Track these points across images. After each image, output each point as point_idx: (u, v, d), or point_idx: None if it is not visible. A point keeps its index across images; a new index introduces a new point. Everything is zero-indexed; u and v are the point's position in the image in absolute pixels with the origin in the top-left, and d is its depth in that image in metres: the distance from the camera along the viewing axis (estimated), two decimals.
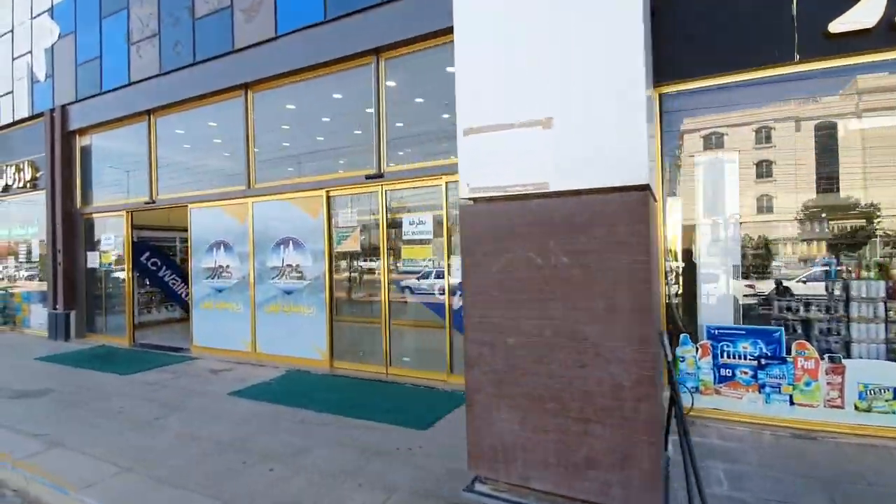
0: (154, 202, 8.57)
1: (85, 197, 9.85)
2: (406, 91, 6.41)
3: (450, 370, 5.87)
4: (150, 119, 8.59)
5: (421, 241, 6.08)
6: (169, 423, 4.81)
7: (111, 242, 9.35)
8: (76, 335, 9.67)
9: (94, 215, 9.70)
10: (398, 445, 4.12)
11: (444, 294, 5.97)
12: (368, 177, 6.30)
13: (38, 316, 10.73)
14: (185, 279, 11.74)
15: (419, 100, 6.48)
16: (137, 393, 5.89)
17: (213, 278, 7.90)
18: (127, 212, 9.03)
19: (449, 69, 6.18)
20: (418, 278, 6.33)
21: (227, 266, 7.72)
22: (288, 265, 7.07)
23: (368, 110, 6.40)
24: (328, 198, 6.71)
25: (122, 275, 9.46)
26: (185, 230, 12.23)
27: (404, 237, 6.20)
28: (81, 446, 4.25)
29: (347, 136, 6.96)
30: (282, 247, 7.14)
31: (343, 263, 6.89)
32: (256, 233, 7.39)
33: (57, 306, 9.68)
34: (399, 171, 6.18)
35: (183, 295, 11.83)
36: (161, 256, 11.33)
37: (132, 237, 9.09)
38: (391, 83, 6.29)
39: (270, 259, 7.26)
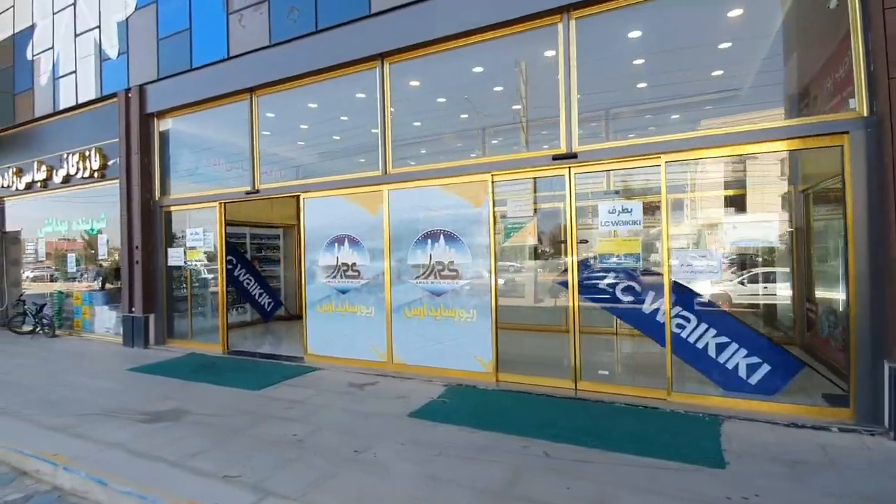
0: (257, 191, 7.58)
1: (164, 187, 8.85)
2: (601, 57, 5.47)
3: (671, 386, 4.92)
4: (251, 98, 7.60)
5: (625, 234, 5.14)
6: (381, 457, 3.83)
7: (198, 238, 8.34)
8: (155, 341, 8.66)
9: (177, 208, 8.69)
10: (724, 493, 3.17)
11: (644, 295, 5.05)
12: (556, 157, 5.34)
13: (104, 320, 9.71)
14: (259, 279, 10.79)
15: (620, 66, 5.54)
16: (293, 415, 4.90)
17: (333, 277, 6.92)
18: (220, 203, 8.03)
19: (634, 32, 5.26)
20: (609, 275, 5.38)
21: (353, 264, 6.75)
22: (438, 262, 6.11)
23: (548, 78, 5.45)
24: (493, 183, 5.75)
25: (209, 275, 8.48)
26: (257, 225, 11.31)
27: (601, 228, 5.25)
28: (302, 494, 3.27)
29: (517, 111, 6.02)
30: (429, 241, 6.18)
31: (510, 260, 5.94)
32: (393, 225, 6.41)
33: (133, 309, 8.67)
34: (597, 149, 5.22)
35: (256, 296, 10.85)
36: (236, 254, 10.35)
37: (225, 232, 8.09)
38: (581, 45, 5.33)
39: (413, 255, 6.29)
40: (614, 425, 4.38)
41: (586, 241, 5.65)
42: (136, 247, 8.62)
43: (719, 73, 5.28)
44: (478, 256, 5.85)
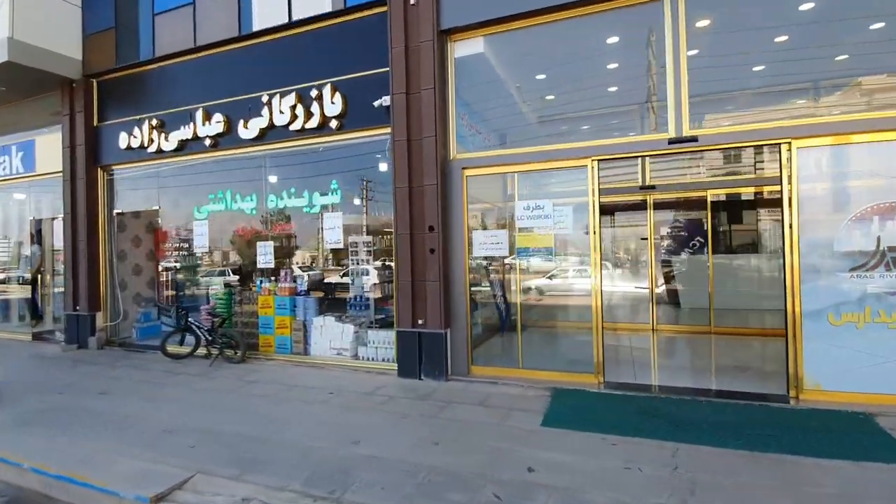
0: (692, 139, 4.90)
1: (458, 142, 5.99)
2: None
3: None
4: None
5: None
6: None
7: (541, 214, 5.57)
8: (454, 370, 5.81)
9: (492, 170, 5.85)
10: None
11: None
12: None
13: (328, 336, 6.74)
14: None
15: None
16: None
17: (869, 270, 4.39)
18: (592, 160, 5.30)
19: None
20: None
21: None
22: None
23: None
24: None
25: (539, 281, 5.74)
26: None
27: None
28: None
29: None
30: None
31: None
32: None
33: (420, 321, 5.79)
34: None
35: (497, 299, 8.07)
36: None
37: (599, 205, 5.35)
38: None
39: None
40: None
41: None
42: (431, 228, 5.73)
43: None
44: None
